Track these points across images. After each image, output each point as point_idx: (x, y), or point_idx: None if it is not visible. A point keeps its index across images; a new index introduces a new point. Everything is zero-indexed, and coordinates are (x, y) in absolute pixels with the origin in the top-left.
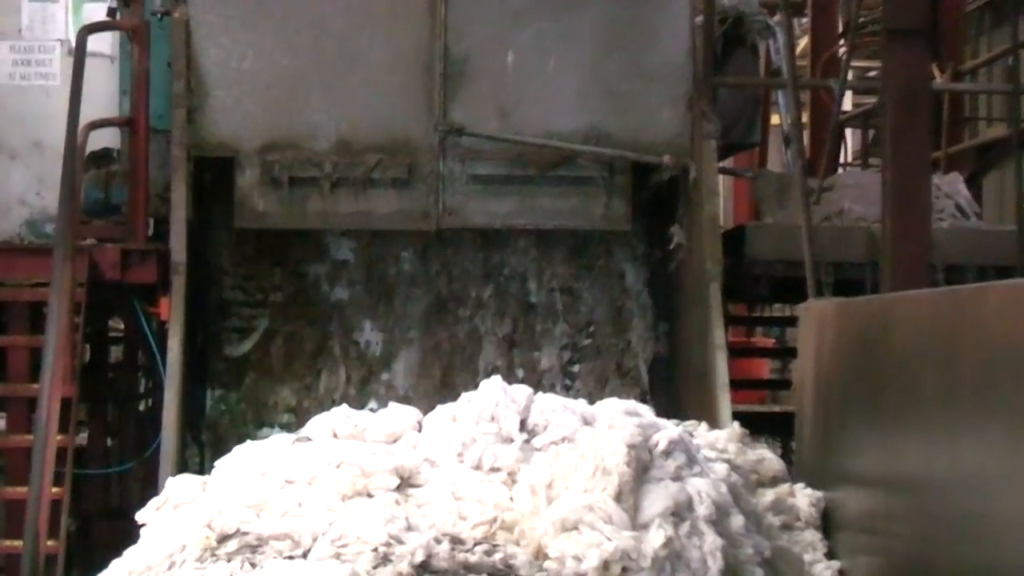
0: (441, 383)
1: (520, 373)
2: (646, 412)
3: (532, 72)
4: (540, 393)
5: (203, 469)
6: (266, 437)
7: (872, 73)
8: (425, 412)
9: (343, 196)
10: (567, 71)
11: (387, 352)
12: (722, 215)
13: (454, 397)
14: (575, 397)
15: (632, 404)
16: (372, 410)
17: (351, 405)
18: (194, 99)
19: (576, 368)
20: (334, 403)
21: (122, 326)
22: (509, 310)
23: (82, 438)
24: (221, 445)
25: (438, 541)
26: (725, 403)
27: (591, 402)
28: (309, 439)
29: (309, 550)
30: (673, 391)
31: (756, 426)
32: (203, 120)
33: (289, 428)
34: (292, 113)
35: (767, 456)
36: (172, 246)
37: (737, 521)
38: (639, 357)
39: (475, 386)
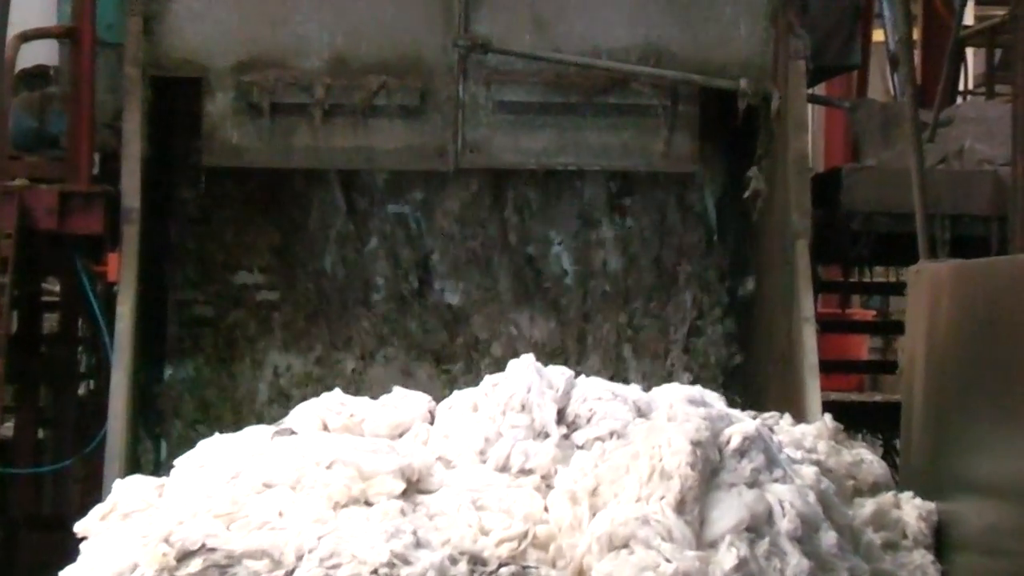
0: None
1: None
2: (715, 401)
3: None
4: (582, 376)
5: (159, 468)
6: (240, 429)
7: None
8: (438, 399)
9: (338, 128)
10: None
11: (393, 321)
12: (812, 155)
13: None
14: (626, 380)
15: (698, 390)
16: (371, 397)
17: (347, 390)
18: (153, 4)
19: (627, 348)
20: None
21: (59, 288)
22: (542, 272)
23: (7, 428)
24: (182, 439)
25: (454, 561)
26: (814, 390)
27: (646, 388)
28: (293, 432)
29: (293, 571)
30: (749, 375)
31: (852, 419)
32: (163, 31)
33: (269, 417)
34: (275, 22)
35: (866, 457)
36: (123, 188)
37: (828, 538)
38: (706, 332)
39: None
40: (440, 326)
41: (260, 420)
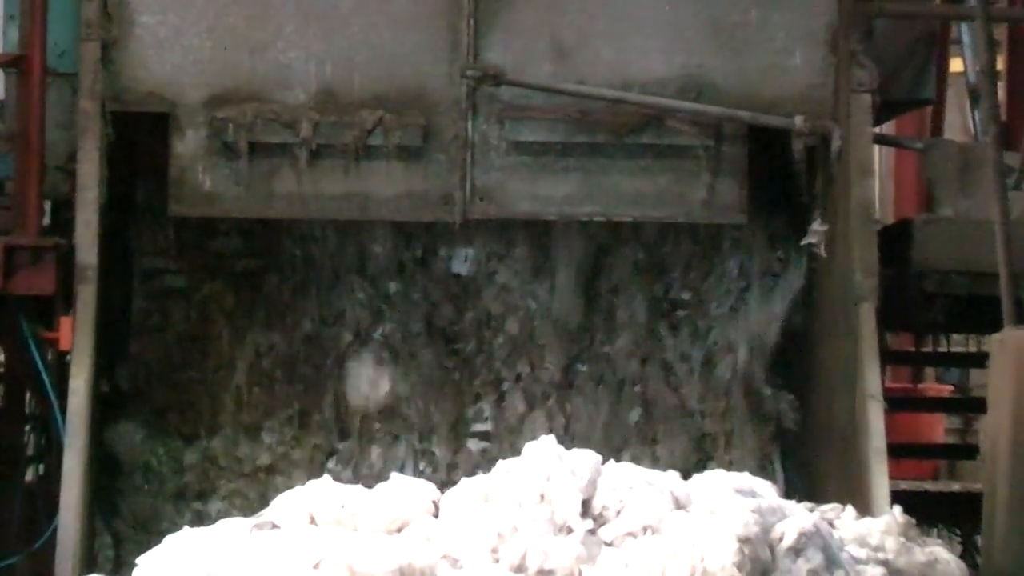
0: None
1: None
2: (766, 490)
3: None
4: (611, 462)
5: (120, 567)
6: (213, 522)
7: None
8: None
9: (327, 172)
10: None
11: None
12: (879, 204)
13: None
14: (662, 467)
15: (746, 478)
16: (367, 486)
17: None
18: (113, 28)
19: (662, 426)
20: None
21: (2, 358)
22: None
23: None
24: (146, 533)
25: None
26: (881, 477)
27: (685, 476)
28: (275, 526)
29: None
30: (805, 460)
31: (926, 512)
32: (125, 59)
33: (247, 508)
34: (254, 49)
35: (942, 557)
36: (78, 242)
37: None
38: (755, 410)
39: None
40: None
41: (238, 512)
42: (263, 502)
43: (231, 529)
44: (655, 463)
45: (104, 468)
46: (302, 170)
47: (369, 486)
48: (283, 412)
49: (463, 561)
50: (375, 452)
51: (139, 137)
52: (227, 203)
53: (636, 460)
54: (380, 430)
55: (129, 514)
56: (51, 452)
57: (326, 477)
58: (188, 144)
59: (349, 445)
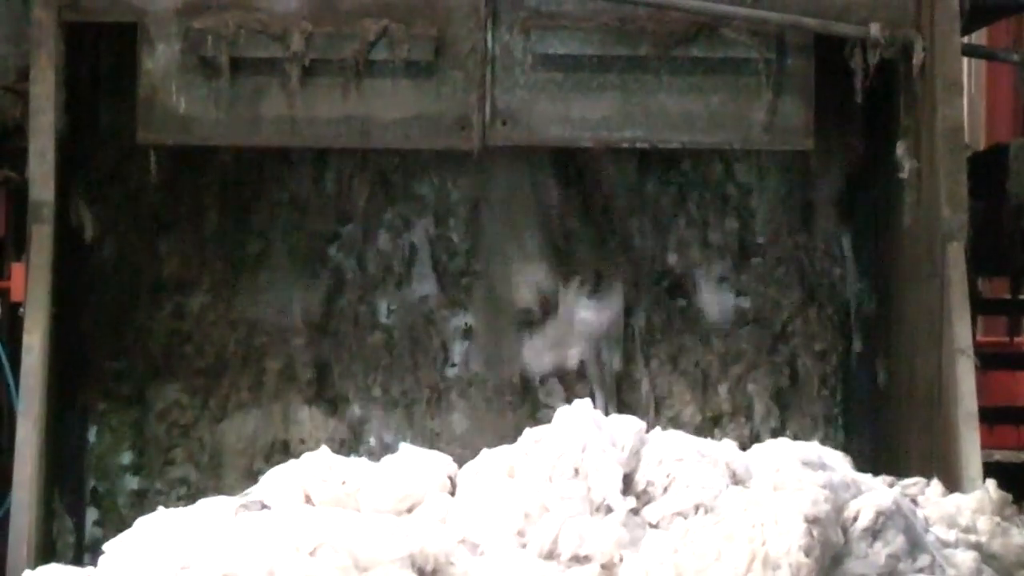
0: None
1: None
2: (838, 462)
3: None
4: (656, 429)
5: (82, 554)
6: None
7: None
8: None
9: (323, 92)
10: None
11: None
12: (969, 127)
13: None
14: (718, 436)
15: (814, 448)
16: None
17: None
18: None
19: (721, 386)
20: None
21: None
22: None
23: None
24: (113, 515)
25: None
26: (972, 447)
27: (745, 444)
28: (265, 506)
29: None
30: (883, 425)
31: None
32: None
33: (230, 488)
34: None
35: None
36: (31, 176)
37: None
38: (827, 365)
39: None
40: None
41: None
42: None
43: (213, 509)
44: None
45: (63, 439)
46: (293, 90)
47: (374, 459)
48: None
49: (484, 546)
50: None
51: (102, 52)
52: (206, 129)
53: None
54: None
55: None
56: (2, 421)
57: (323, 449)
58: (159, 60)
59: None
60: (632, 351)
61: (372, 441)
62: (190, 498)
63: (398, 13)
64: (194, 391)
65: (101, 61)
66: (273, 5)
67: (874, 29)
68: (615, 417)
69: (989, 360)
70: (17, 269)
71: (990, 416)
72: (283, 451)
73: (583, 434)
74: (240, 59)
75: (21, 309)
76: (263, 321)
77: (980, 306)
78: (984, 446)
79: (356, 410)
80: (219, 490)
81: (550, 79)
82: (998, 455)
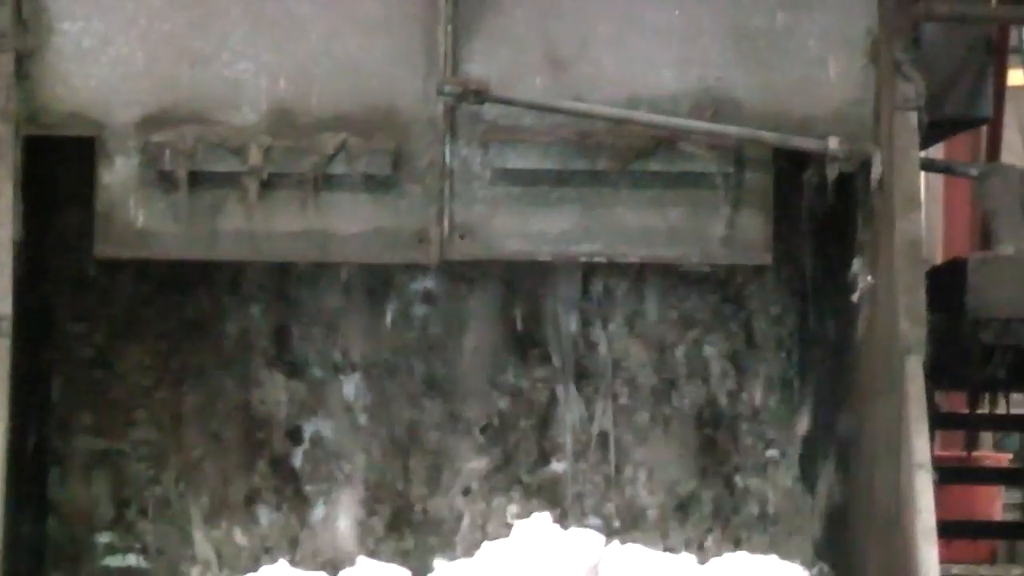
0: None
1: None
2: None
3: None
4: (615, 543)
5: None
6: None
7: None
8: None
9: (282, 205)
10: None
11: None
12: (926, 241)
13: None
14: (675, 549)
15: (774, 563)
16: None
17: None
18: (28, 37)
19: (677, 502)
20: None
21: None
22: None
23: None
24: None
25: None
26: (930, 561)
27: (702, 559)
28: None
29: None
30: (843, 541)
31: None
32: (43, 73)
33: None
34: (196, 61)
35: None
36: None
37: None
38: (784, 483)
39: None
40: None
41: None
42: None
43: None
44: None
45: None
46: (252, 204)
47: (331, 573)
48: None
49: None
50: None
51: (60, 166)
52: (164, 243)
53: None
54: None
55: None
56: None
57: (282, 563)
58: (117, 173)
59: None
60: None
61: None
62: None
63: (357, 127)
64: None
65: (58, 174)
66: (232, 118)
67: (833, 143)
68: (574, 530)
69: (947, 474)
70: None
71: (949, 530)
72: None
73: (542, 548)
74: (198, 173)
75: None
76: None
77: (938, 420)
78: (942, 560)
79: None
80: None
81: (508, 193)
82: (956, 569)
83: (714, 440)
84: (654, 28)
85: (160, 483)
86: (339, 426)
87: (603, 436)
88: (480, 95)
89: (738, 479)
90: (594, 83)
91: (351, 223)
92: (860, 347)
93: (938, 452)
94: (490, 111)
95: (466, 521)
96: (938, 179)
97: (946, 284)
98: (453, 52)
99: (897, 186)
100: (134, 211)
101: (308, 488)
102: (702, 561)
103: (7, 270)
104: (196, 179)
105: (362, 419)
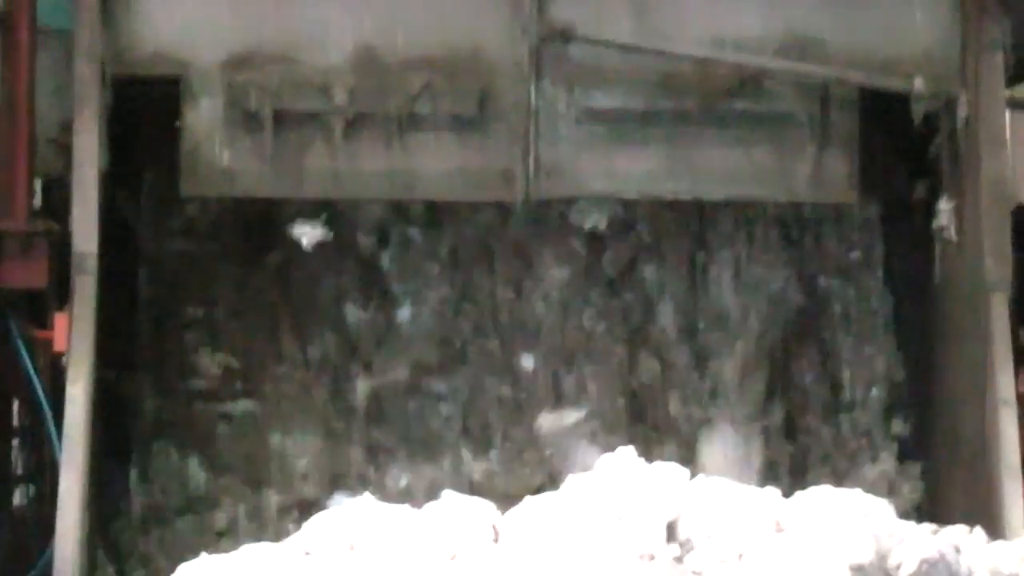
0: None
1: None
2: (882, 511)
3: None
4: (700, 476)
5: None
6: (233, 549)
7: None
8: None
9: (367, 145)
10: None
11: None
12: (1013, 179)
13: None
14: (760, 483)
15: (858, 496)
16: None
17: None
18: None
19: (759, 437)
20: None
21: None
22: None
23: None
24: (155, 563)
25: None
26: (1015, 496)
27: (787, 492)
28: (306, 552)
29: None
30: (926, 476)
31: None
32: (128, 13)
33: (275, 534)
34: (283, 2)
35: None
36: (75, 227)
37: None
38: (868, 418)
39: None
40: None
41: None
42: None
43: (255, 556)
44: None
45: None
46: (337, 143)
47: (416, 506)
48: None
49: None
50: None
51: (145, 106)
52: (249, 182)
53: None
54: None
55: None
56: (44, 471)
57: (367, 495)
58: (203, 113)
59: None
60: None
61: None
62: None
63: (442, 67)
64: None
65: (144, 113)
66: (316, 59)
67: (918, 83)
68: (658, 464)
69: None
70: (60, 319)
71: None
72: None
73: (626, 481)
74: (283, 112)
75: (64, 359)
76: None
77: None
78: None
79: None
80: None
81: (594, 132)
82: None
83: None
84: None
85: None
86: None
87: None
88: (566, 35)
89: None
90: (679, 25)
91: (436, 162)
92: (942, 287)
93: (1022, 388)
94: (576, 52)
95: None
96: (1020, 117)
97: None
98: None
99: (983, 126)
100: (219, 151)
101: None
102: (787, 495)
103: (93, 209)
104: (281, 118)
105: None
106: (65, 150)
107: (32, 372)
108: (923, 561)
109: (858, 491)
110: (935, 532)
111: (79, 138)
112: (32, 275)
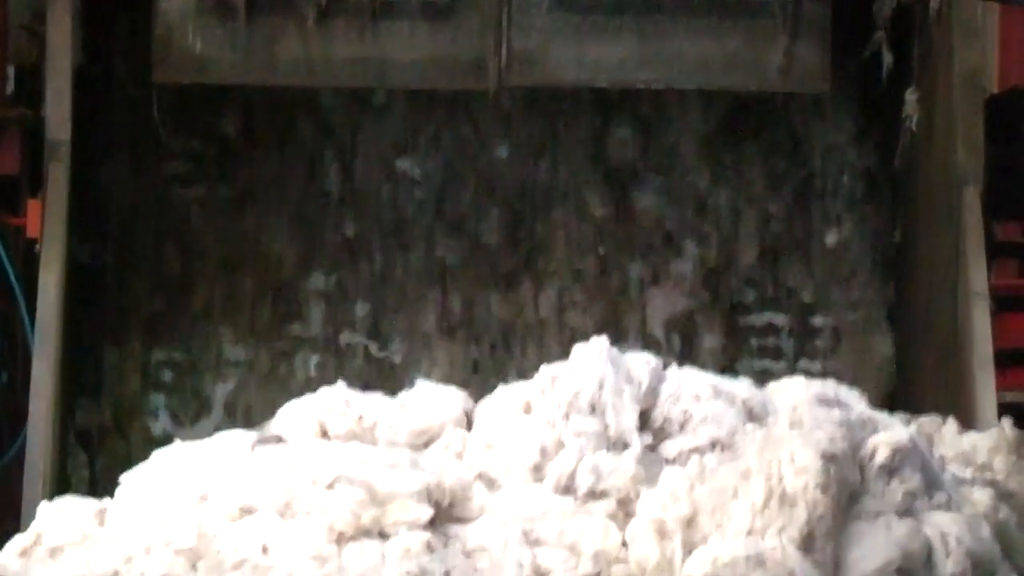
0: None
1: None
2: (854, 400)
3: None
4: (673, 366)
5: (97, 488)
6: (207, 435)
7: None
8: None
9: (339, 33)
10: None
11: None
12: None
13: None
14: (733, 375)
15: (830, 386)
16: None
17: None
18: None
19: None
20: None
21: None
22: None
23: None
24: (127, 448)
25: None
26: (987, 388)
27: (759, 383)
28: (280, 439)
29: None
30: (900, 367)
31: None
32: None
33: (247, 421)
34: None
35: None
36: (48, 114)
37: None
38: (840, 309)
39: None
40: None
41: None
42: None
43: (229, 443)
44: None
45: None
46: (309, 31)
47: (390, 394)
48: None
49: (501, 480)
50: None
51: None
52: (222, 69)
53: None
54: None
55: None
56: (16, 358)
57: (340, 384)
58: (175, 1)
59: None
60: None
61: None
62: None
63: None
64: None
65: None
66: None
67: None
68: (632, 354)
69: (1004, 303)
70: (33, 206)
71: (1004, 358)
72: None
73: (600, 371)
74: (256, 0)
75: (37, 246)
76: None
77: (995, 249)
78: (999, 388)
79: None
80: None
81: (566, 21)
82: (1010, 396)
83: None
84: None
85: None
86: None
87: None
88: None
89: None
90: None
91: (409, 51)
92: (909, 177)
93: (995, 281)
94: None
95: None
96: (993, 8)
97: (1004, 114)
98: None
99: (955, 16)
100: (192, 38)
101: None
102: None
103: (67, 97)
104: (253, 6)
105: None
106: (38, 38)
107: (4, 258)
108: (896, 451)
109: (831, 382)
110: (907, 422)
111: (52, 26)
112: (4, 161)
